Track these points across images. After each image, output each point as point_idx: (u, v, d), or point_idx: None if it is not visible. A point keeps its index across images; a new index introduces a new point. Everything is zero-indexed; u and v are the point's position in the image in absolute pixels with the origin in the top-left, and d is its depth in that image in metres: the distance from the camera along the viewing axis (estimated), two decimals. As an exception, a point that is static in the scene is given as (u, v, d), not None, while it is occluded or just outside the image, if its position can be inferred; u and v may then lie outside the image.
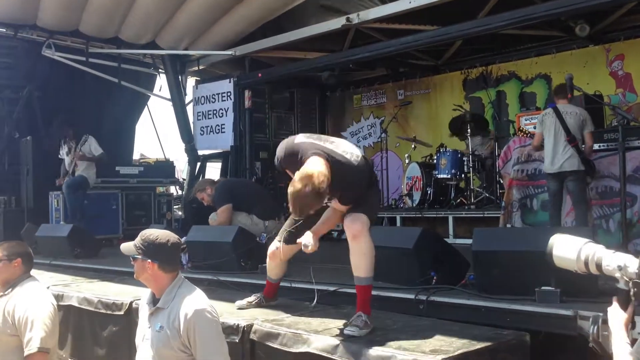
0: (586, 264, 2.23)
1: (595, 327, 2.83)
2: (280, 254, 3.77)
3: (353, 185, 3.35)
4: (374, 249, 3.37)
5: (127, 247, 2.96)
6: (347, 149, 3.37)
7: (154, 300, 2.96)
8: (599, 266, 2.22)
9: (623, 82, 8.38)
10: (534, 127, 6.78)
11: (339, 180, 3.21)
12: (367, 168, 3.56)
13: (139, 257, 2.91)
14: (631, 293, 2.15)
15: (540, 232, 3.80)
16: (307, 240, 3.38)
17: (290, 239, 3.71)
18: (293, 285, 4.35)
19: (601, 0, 5.92)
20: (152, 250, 2.94)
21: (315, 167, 3.13)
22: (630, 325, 2.14)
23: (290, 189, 3.07)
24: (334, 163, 3.24)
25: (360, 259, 3.34)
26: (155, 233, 3.02)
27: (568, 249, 2.28)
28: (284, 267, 3.97)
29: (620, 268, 2.17)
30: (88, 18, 9.17)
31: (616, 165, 4.47)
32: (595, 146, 6.02)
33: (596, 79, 8.46)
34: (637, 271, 2.13)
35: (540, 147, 6.00)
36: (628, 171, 5.47)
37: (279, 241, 3.76)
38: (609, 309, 2.21)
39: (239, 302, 3.96)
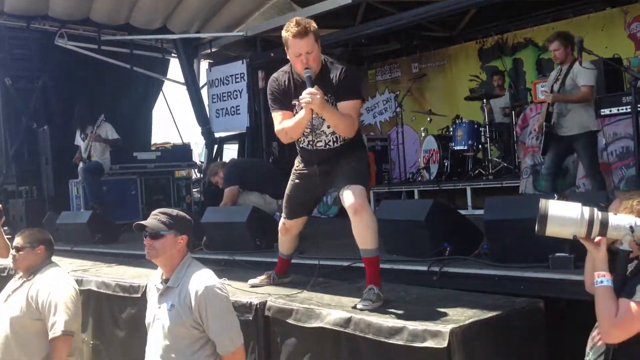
0: (590, 223, 2.18)
1: None
2: (288, 229, 3.83)
3: (347, 77, 3.37)
4: (376, 220, 3.35)
5: (153, 224, 2.92)
6: None
7: (164, 280, 2.99)
8: (604, 226, 2.17)
9: (643, 43, 8.17)
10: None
11: (334, 73, 3.36)
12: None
13: (171, 232, 2.91)
14: None
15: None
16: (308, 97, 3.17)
17: (290, 213, 3.76)
18: (304, 261, 4.34)
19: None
20: (182, 224, 2.98)
21: None
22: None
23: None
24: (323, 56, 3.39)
25: (365, 231, 3.31)
26: (173, 210, 3.08)
27: (567, 210, 2.22)
28: (295, 242, 3.98)
29: (632, 228, 2.13)
30: (98, 6, 9.20)
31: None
32: (614, 109, 5.91)
33: (615, 42, 8.25)
34: None
35: None
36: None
37: (283, 218, 3.83)
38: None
39: (252, 281, 3.98)
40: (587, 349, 2.41)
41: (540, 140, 5.55)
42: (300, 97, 3.24)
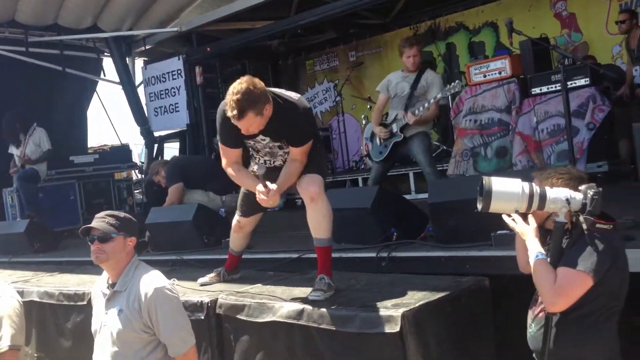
0: (531, 197, 2.27)
1: None
2: (243, 227, 3.79)
3: (299, 123, 3.28)
4: (331, 210, 3.36)
5: (102, 226, 2.85)
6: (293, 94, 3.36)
7: (110, 285, 2.92)
8: (542, 199, 2.28)
9: (568, 22, 8.44)
10: (484, 77, 6.83)
11: (286, 118, 3.20)
12: (312, 115, 3.62)
13: (120, 234, 2.85)
14: (580, 220, 2.21)
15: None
16: (265, 191, 3.16)
17: (247, 211, 3.71)
18: (253, 256, 4.33)
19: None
20: (130, 226, 2.94)
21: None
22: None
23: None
24: (279, 99, 3.19)
25: (320, 220, 3.32)
26: (120, 212, 3.03)
27: (509, 186, 2.31)
28: (247, 239, 3.96)
29: (568, 200, 2.24)
30: (23, 6, 8.82)
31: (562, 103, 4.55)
32: (544, 88, 6.14)
33: (541, 22, 8.50)
34: (584, 201, 2.21)
35: None
36: (573, 107, 5.58)
37: (239, 215, 3.77)
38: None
39: (202, 279, 3.94)
40: (529, 321, 2.51)
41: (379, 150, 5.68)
42: (257, 197, 3.18)
